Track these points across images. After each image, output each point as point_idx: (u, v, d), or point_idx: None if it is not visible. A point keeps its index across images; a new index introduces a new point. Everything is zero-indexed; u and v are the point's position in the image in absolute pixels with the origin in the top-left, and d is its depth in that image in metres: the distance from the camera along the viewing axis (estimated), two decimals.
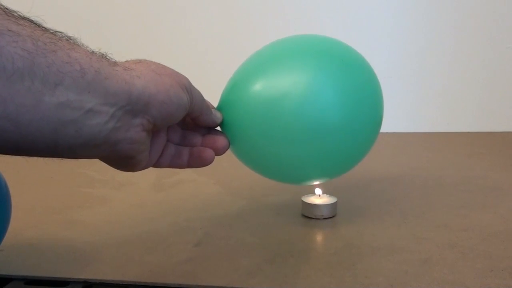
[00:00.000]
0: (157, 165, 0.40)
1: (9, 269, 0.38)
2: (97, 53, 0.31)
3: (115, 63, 0.31)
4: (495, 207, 0.51)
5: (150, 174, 0.70)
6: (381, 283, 0.35)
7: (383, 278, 0.35)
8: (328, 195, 0.50)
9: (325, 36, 0.45)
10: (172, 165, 0.41)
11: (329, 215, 0.49)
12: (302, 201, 0.50)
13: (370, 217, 0.49)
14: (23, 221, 0.50)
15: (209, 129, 0.42)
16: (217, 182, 0.65)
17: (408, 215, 0.49)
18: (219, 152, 0.42)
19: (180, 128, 0.42)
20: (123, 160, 0.34)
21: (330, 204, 0.49)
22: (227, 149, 0.42)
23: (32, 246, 0.43)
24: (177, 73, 0.36)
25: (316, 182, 0.47)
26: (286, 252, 0.41)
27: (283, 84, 0.39)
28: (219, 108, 0.43)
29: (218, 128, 0.43)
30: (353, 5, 1.04)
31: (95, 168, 0.74)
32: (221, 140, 0.41)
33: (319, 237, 0.45)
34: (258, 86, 0.40)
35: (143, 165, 0.36)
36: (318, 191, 0.51)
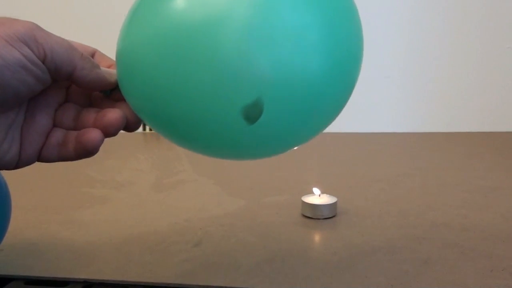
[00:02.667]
0: (42, 159, 0.30)
1: (9, 269, 0.38)
2: None
3: None
4: (495, 207, 0.51)
5: (150, 174, 0.70)
6: (381, 283, 0.35)
7: (383, 278, 0.35)
8: (328, 195, 0.50)
9: None
10: (61, 157, 0.30)
11: (329, 215, 0.49)
12: (302, 201, 0.50)
13: (370, 217, 0.49)
14: (23, 221, 0.50)
15: (110, 99, 0.31)
16: (217, 182, 0.65)
17: (408, 215, 0.49)
18: (108, 130, 0.29)
19: (74, 106, 0.31)
20: None
21: (330, 204, 0.49)
22: (119, 125, 0.30)
23: (32, 246, 0.43)
24: (14, 21, 0.25)
25: (258, 158, 0.32)
26: (286, 252, 0.41)
27: (217, 2, 0.24)
28: (119, 58, 0.29)
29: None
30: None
31: (96, 168, 0.74)
32: (111, 114, 0.29)
33: (319, 237, 0.45)
34: (174, 7, 0.25)
35: (8, 160, 0.28)
36: (317, 191, 0.51)
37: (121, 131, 0.30)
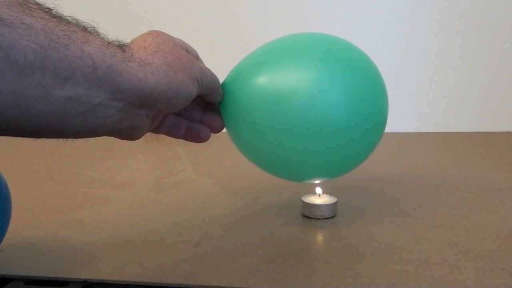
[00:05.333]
0: (154, 131, 0.40)
1: (9, 269, 0.38)
2: (114, 43, 0.31)
3: (131, 57, 0.31)
4: (495, 207, 0.51)
5: (150, 174, 0.70)
6: (381, 283, 0.35)
7: (383, 278, 0.35)
8: (328, 195, 0.50)
9: (332, 35, 0.45)
10: (169, 134, 0.42)
11: (329, 215, 0.49)
12: (302, 201, 0.50)
13: (370, 217, 0.49)
14: (23, 221, 0.50)
15: (208, 103, 0.43)
16: (217, 182, 0.65)
17: (408, 215, 0.49)
18: (214, 132, 0.43)
19: None
20: (123, 136, 0.35)
21: (330, 204, 0.49)
22: (221, 130, 0.44)
23: (32, 246, 0.43)
24: (192, 63, 0.36)
25: (315, 181, 0.46)
26: (286, 252, 0.41)
27: (289, 81, 0.40)
28: (222, 86, 0.43)
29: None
30: (354, 4, 1.04)
31: (95, 168, 0.74)
32: (218, 122, 0.43)
33: (319, 237, 0.45)
34: (264, 80, 0.41)
35: (141, 136, 0.37)
36: (318, 190, 0.51)
37: None
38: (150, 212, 0.53)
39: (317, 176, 0.45)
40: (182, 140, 0.43)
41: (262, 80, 0.41)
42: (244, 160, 0.47)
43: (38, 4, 0.27)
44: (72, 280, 0.37)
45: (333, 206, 0.49)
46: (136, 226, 0.48)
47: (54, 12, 0.27)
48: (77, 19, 0.29)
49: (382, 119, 0.44)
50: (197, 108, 0.43)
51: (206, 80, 0.38)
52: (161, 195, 0.60)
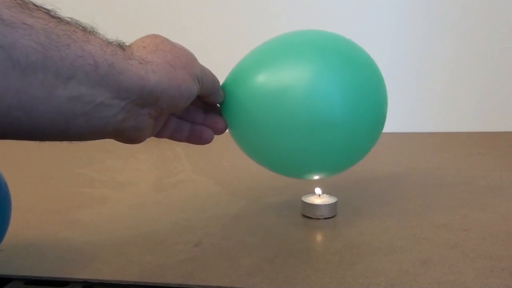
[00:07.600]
0: (157, 136, 0.40)
1: (9, 269, 0.38)
2: (114, 43, 0.31)
3: (131, 55, 0.31)
4: (495, 207, 0.51)
5: (150, 174, 0.70)
6: (381, 283, 0.35)
7: (383, 278, 0.35)
8: (328, 195, 0.50)
9: (330, 31, 0.45)
10: (172, 138, 0.42)
11: (329, 215, 0.49)
12: (302, 201, 0.50)
13: (370, 217, 0.49)
14: (23, 221, 0.50)
15: (209, 105, 0.43)
16: (217, 182, 0.65)
17: (408, 215, 0.49)
18: (217, 133, 0.43)
19: None
20: (126, 139, 0.35)
21: (330, 204, 0.49)
22: (224, 131, 0.44)
23: (32, 246, 0.43)
24: (192, 61, 0.36)
25: (315, 177, 0.46)
26: (286, 252, 0.41)
27: (288, 77, 0.40)
28: (223, 88, 0.43)
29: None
30: (355, 4, 1.04)
31: (95, 168, 0.74)
32: (221, 123, 0.43)
33: (319, 237, 0.45)
34: (264, 77, 0.41)
35: (144, 139, 0.37)
36: (318, 190, 0.51)
37: None
38: (150, 212, 0.53)
39: (318, 172, 0.45)
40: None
41: (261, 78, 0.41)
42: (244, 160, 0.47)
43: (37, 5, 0.27)
44: (72, 280, 0.37)
45: (333, 206, 0.49)
46: (136, 226, 0.48)
47: (53, 13, 0.27)
48: (76, 20, 0.29)
49: (381, 114, 0.44)
50: (199, 110, 0.43)
51: (206, 79, 0.38)
52: (161, 195, 0.60)
